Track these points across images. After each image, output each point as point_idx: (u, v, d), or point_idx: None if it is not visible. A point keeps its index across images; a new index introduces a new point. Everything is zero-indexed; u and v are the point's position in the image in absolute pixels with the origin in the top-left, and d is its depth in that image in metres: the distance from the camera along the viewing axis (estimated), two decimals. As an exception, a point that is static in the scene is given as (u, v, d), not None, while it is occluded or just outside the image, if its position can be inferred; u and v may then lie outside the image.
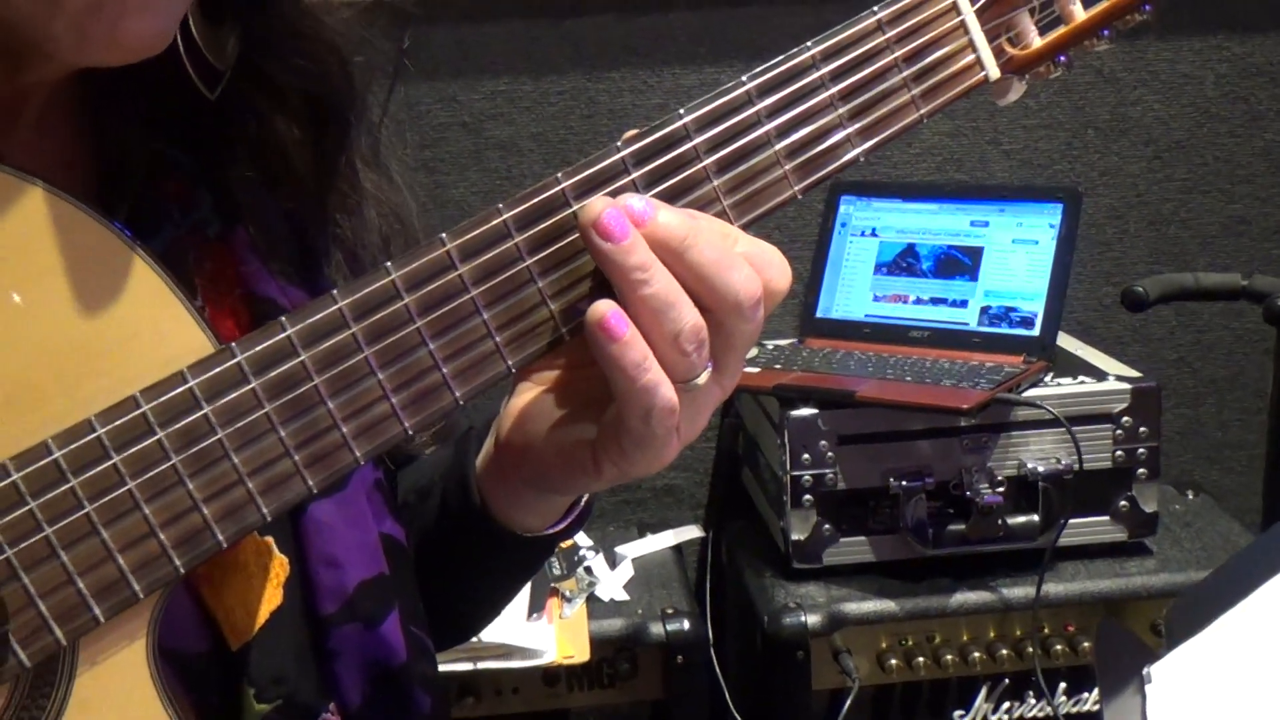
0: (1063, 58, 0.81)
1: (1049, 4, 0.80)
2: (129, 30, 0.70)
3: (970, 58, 0.79)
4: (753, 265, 0.72)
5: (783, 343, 2.09)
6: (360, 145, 0.93)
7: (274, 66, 0.86)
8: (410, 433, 0.72)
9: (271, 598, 0.81)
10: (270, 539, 0.81)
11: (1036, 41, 0.80)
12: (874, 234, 2.10)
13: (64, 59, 0.73)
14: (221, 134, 0.86)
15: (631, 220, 0.70)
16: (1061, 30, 0.80)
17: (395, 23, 0.92)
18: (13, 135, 0.78)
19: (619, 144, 0.73)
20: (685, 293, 0.71)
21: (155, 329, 0.70)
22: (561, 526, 0.91)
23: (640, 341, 0.71)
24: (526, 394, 0.83)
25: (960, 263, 2.04)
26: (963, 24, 0.78)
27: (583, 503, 0.91)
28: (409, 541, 0.94)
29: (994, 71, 0.79)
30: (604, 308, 0.71)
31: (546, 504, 0.89)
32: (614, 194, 0.73)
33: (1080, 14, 0.80)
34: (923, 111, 0.78)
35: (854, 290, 2.09)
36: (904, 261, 2.07)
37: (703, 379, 0.73)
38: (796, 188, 0.76)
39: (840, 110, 0.76)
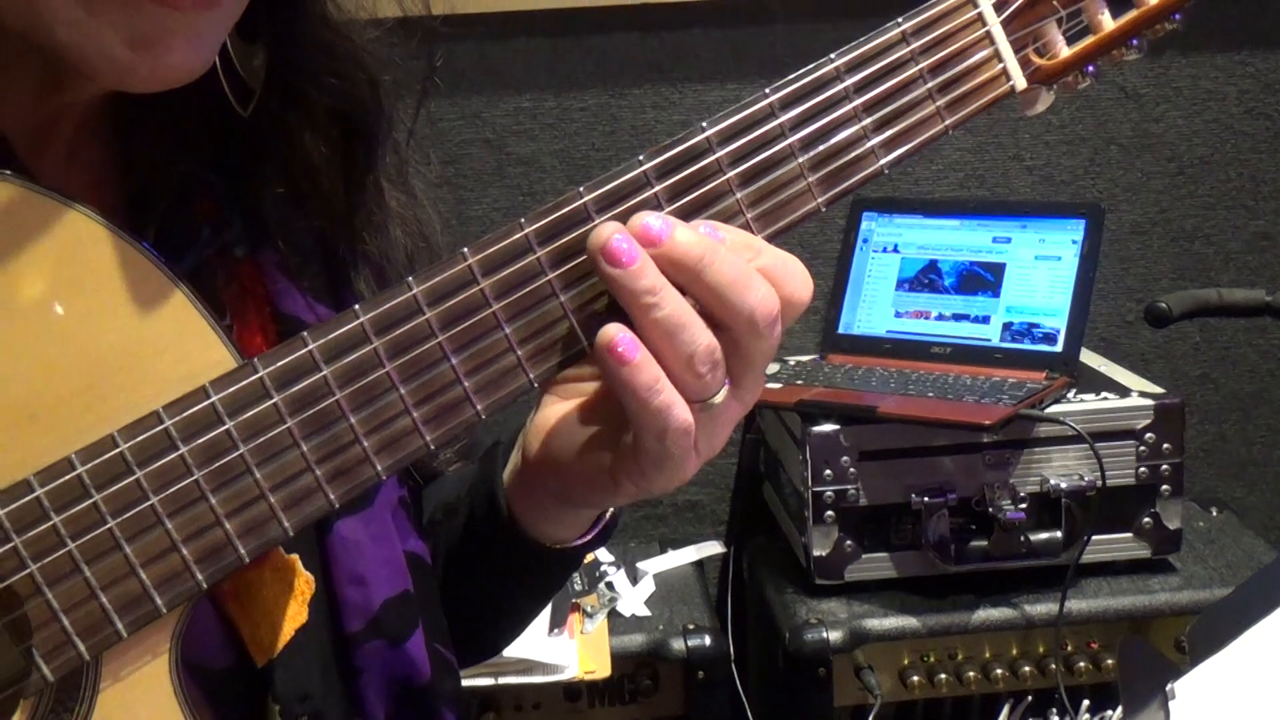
0: (1091, 68, 0.80)
1: (1076, 14, 0.79)
2: (173, 63, 0.71)
3: (997, 68, 0.78)
4: (774, 278, 0.72)
5: (804, 358, 2.09)
6: (386, 164, 0.93)
7: (305, 84, 0.86)
8: (432, 446, 0.72)
9: (297, 615, 0.81)
10: (296, 556, 0.81)
11: (1064, 51, 0.79)
12: (896, 250, 2.10)
13: (105, 85, 0.73)
14: (251, 152, 0.87)
15: (648, 240, 0.70)
16: (1089, 40, 0.79)
17: (425, 42, 0.93)
18: (45, 155, 0.78)
19: (641, 157, 0.73)
20: (698, 314, 0.71)
21: (180, 345, 0.71)
22: (589, 538, 0.91)
23: (652, 364, 0.71)
24: (551, 409, 0.83)
25: (982, 279, 2.03)
26: (989, 34, 0.77)
27: (609, 514, 0.91)
28: (435, 558, 0.94)
29: (1021, 82, 0.79)
30: (613, 331, 0.71)
31: (574, 516, 0.89)
32: (636, 208, 0.73)
33: (1109, 24, 0.79)
34: (948, 122, 0.77)
35: (876, 306, 2.09)
36: (926, 277, 2.07)
37: (719, 398, 0.73)
38: (820, 200, 0.76)
39: (865, 122, 0.76)
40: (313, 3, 0.86)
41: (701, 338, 0.71)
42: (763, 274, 0.72)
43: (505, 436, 0.91)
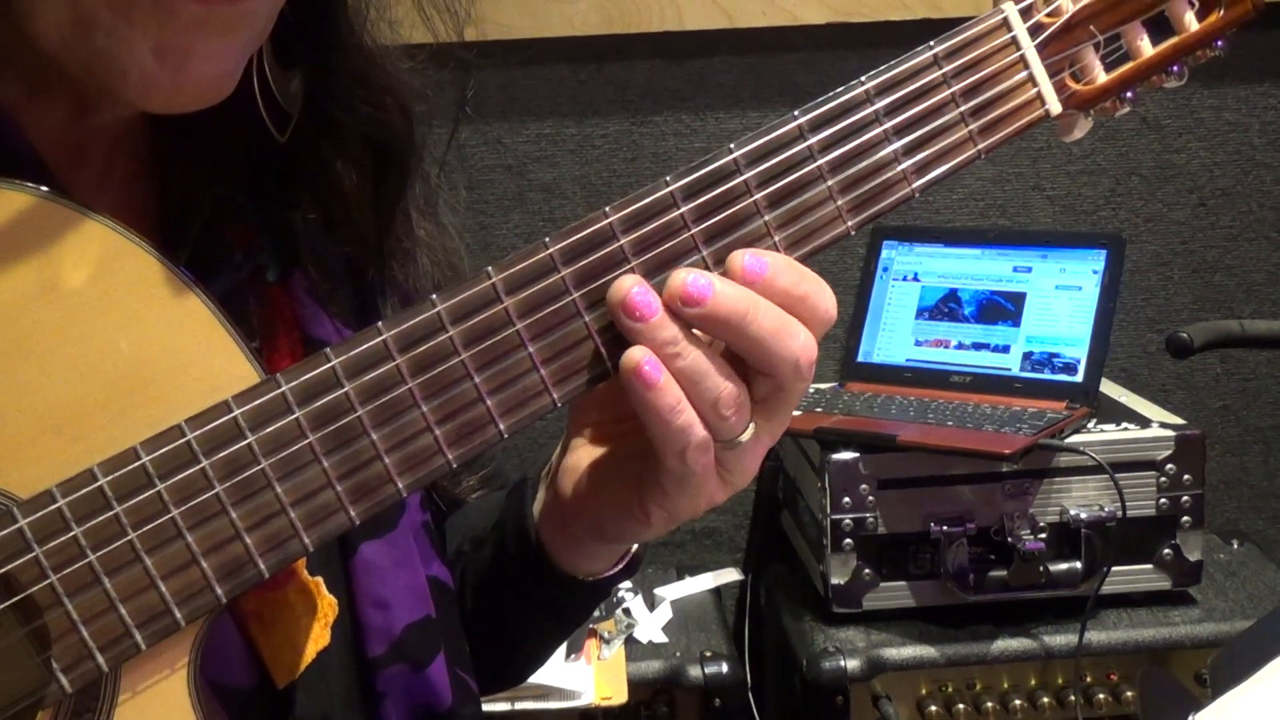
0: (1130, 94, 0.79)
1: (1115, 39, 0.79)
2: (192, 77, 0.71)
3: (1031, 93, 0.77)
4: (812, 305, 0.72)
5: (824, 386, 2.09)
6: (416, 193, 0.94)
7: (340, 112, 0.87)
8: (454, 465, 0.72)
9: (319, 637, 0.81)
10: (319, 579, 0.81)
11: (1102, 77, 0.79)
12: (916, 279, 2.10)
13: (130, 103, 0.73)
14: (285, 178, 0.88)
15: (689, 300, 0.70)
16: (1128, 66, 0.79)
17: (458, 73, 0.93)
18: (79, 174, 0.79)
19: (668, 178, 0.73)
20: (727, 363, 0.72)
21: (205, 360, 0.71)
22: (618, 569, 0.91)
23: (674, 386, 0.71)
24: (582, 452, 0.84)
25: (1003, 308, 2.03)
26: (1023, 58, 0.77)
27: (636, 545, 0.91)
28: (461, 588, 0.94)
29: (1055, 106, 0.78)
30: (638, 355, 0.71)
31: (607, 550, 0.89)
32: (662, 229, 0.72)
33: (1148, 50, 0.79)
34: (981, 147, 0.77)
35: (895, 335, 2.08)
36: (946, 306, 2.06)
37: (745, 437, 0.74)
38: (851, 224, 0.75)
39: (896, 145, 0.75)
40: (349, 32, 0.86)
41: (723, 384, 0.72)
42: (786, 292, 0.72)
43: (533, 472, 0.91)
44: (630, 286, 0.71)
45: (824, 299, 0.73)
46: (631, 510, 0.79)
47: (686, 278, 0.71)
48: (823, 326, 0.73)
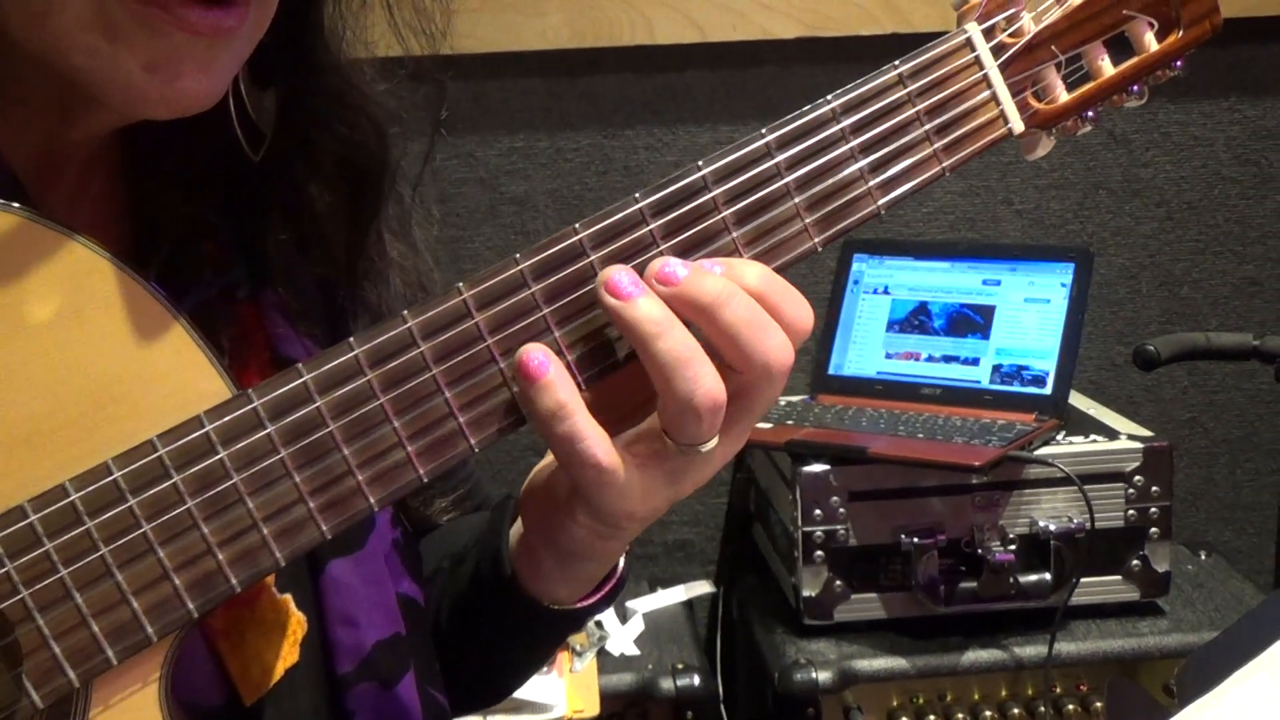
0: (1091, 113, 0.80)
1: (1076, 59, 0.80)
2: (184, 89, 0.72)
3: (994, 111, 0.78)
4: (770, 300, 0.72)
5: (795, 399, 2.09)
6: (389, 214, 0.94)
7: (315, 132, 0.87)
8: (425, 479, 0.72)
9: (288, 655, 0.81)
10: (289, 596, 0.81)
11: (1064, 96, 0.80)
12: (886, 291, 2.11)
13: (117, 111, 0.74)
14: (258, 197, 0.88)
15: (664, 279, 0.71)
16: (1089, 85, 0.80)
17: (432, 93, 0.93)
18: (53, 191, 0.79)
19: (637, 194, 0.74)
20: (707, 356, 0.71)
21: (176, 376, 0.71)
22: (590, 602, 0.90)
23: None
24: (546, 458, 0.84)
25: (972, 321, 2.04)
26: (986, 78, 0.78)
27: (614, 579, 0.90)
28: (439, 608, 0.94)
29: (1018, 125, 0.79)
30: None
31: (572, 575, 0.87)
32: (631, 245, 0.73)
33: (1108, 70, 0.80)
34: (946, 164, 0.78)
35: (866, 347, 2.09)
36: (916, 319, 2.08)
37: (707, 448, 0.73)
38: (817, 240, 0.76)
39: (862, 163, 0.76)
40: (325, 52, 0.86)
41: (706, 379, 0.70)
42: (761, 296, 0.72)
43: (517, 491, 0.90)
44: (615, 269, 0.71)
45: (799, 308, 0.73)
46: (572, 510, 0.79)
47: (669, 260, 0.71)
48: (797, 336, 0.73)
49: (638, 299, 0.70)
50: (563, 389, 0.71)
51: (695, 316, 0.71)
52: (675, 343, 0.70)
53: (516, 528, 0.89)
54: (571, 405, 0.71)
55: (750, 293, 0.71)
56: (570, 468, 0.73)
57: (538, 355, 0.71)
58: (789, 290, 0.73)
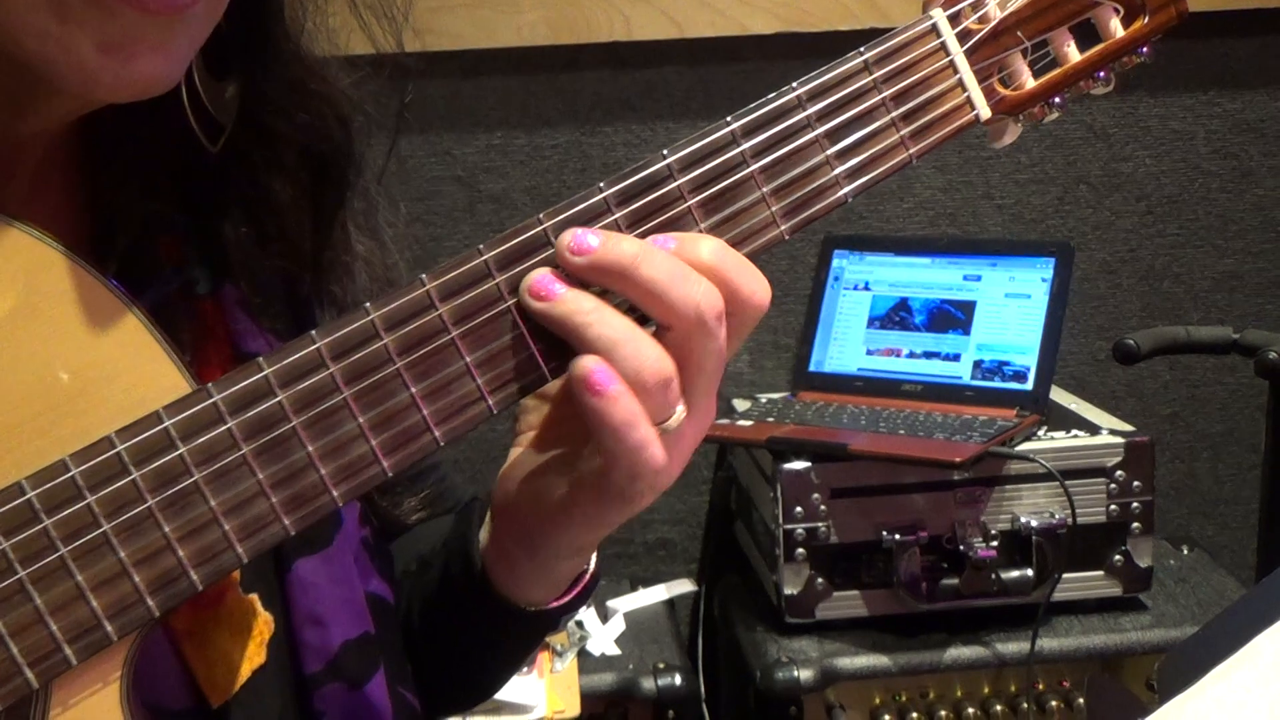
0: (1058, 99, 0.80)
1: (1042, 45, 0.79)
2: (139, 70, 0.69)
3: (960, 98, 0.78)
4: (723, 275, 0.71)
5: (775, 396, 2.09)
6: (355, 208, 0.92)
7: (276, 122, 0.86)
8: (390, 474, 0.71)
9: (254, 656, 0.80)
10: (255, 596, 0.80)
11: (1030, 82, 0.79)
12: (867, 288, 2.10)
13: (71, 95, 0.72)
14: (217, 191, 0.86)
15: (578, 249, 0.70)
16: (1056, 72, 0.80)
17: (396, 80, 0.92)
18: (8, 188, 0.77)
19: (601, 184, 0.73)
20: (640, 330, 0.70)
21: (134, 371, 0.70)
22: (563, 601, 0.88)
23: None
24: (512, 452, 0.83)
25: (953, 317, 2.04)
26: (951, 64, 0.77)
27: (586, 577, 0.89)
28: (409, 610, 0.93)
29: (984, 111, 0.78)
30: (589, 363, 0.70)
31: (545, 574, 0.86)
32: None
33: (1074, 56, 0.80)
34: (912, 151, 0.77)
35: (847, 344, 2.09)
36: (897, 315, 2.07)
37: (673, 421, 0.72)
38: (784, 228, 0.75)
39: (828, 151, 0.75)
40: (285, 40, 0.85)
41: (646, 351, 0.70)
42: (712, 269, 0.71)
43: (484, 493, 0.89)
44: (536, 275, 0.71)
45: (754, 281, 0.72)
46: (556, 513, 0.78)
47: (575, 231, 0.71)
48: (754, 310, 0.72)
49: (560, 293, 0.70)
50: (628, 396, 0.70)
51: (616, 282, 0.70)
52: (607, 326, 0.70)
53: (486, 530, 0.87)
54: (640, 411, 0.70)
55: (703, 266, 0.70)
56: (634, 470, 0.72)
57: (597, 365, 0.70)
58: (743, 263, 0.72)
